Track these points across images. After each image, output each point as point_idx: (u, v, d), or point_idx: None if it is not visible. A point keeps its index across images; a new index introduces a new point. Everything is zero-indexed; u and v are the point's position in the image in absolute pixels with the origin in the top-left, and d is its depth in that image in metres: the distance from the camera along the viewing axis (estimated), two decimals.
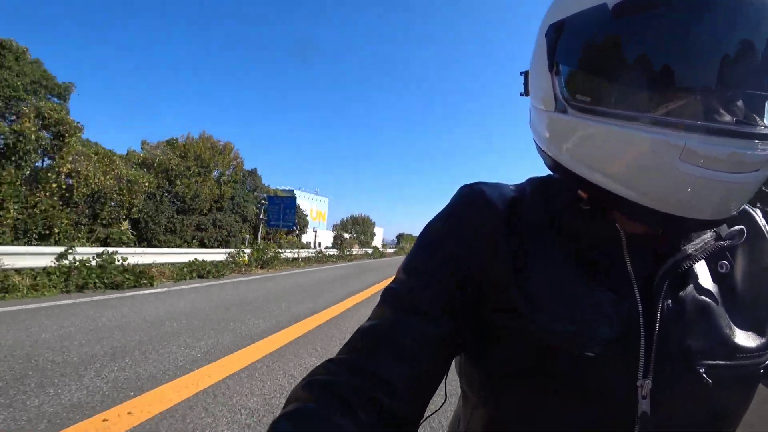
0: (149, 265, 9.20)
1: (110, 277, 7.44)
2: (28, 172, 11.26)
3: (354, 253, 26.62)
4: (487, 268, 0.45)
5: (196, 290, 7.92)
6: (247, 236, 20.44)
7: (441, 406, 0.59)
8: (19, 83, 11.43)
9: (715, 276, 0.45)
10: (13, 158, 10.69)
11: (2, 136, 10.57)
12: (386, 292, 0.48)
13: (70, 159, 12.09)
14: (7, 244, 8.83)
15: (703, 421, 0.42)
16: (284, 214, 20.82)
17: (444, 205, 0.52)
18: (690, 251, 0.43)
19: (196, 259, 10.85)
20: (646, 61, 0.37)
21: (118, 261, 8.19)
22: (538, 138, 0.49)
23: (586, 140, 0.41)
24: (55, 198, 11.51)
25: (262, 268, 13.54)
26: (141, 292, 7.24)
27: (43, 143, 11.47)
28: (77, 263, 7.36)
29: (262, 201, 21.74)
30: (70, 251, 7.56)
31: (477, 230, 0.47)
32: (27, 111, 10.96)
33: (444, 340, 0.43)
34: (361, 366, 0.41)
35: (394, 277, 0.51)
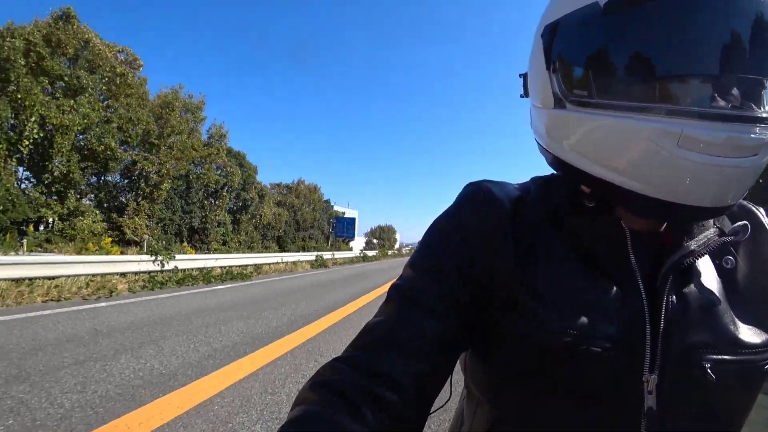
0: (295, 262, 19.05)
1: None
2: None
3: (388, 253, 39.92)
4: (493, 265, 0.46)
5: (302, 276, 13.36)
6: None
7: (446, 403, 0.57)
8: None
9: (720, 271, 0.45)
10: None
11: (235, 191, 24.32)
12: (393, 289, 0.48)
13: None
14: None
15: (709, 417, 0.42)
16: (347, 229, 33.95)
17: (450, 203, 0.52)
18: (693, 247, 0.43)
19: (299, 259, 18.33)
20: (639, 52, 0.38)
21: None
22: (539, 137, 0.51)
23: (585, 134, 0.42)
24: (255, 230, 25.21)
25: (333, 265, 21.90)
26: (283, 277, 12.97)
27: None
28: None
29: (331, 220, 35.19)
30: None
31: (482, 228, 0.47)
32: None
33: (449, 337, 0.43)
34: (367, 364, 0.41)
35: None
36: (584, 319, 0.41)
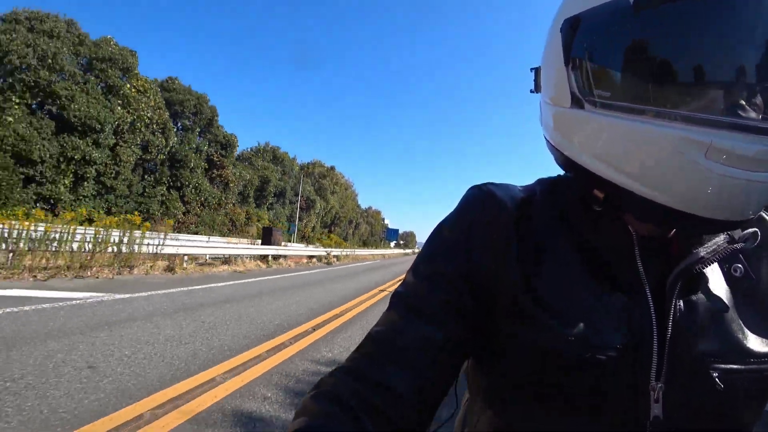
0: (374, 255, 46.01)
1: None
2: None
3: (414, 251, 64.42)
4: (497, 271, 0.45)
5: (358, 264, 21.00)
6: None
7: (452, 416, 0.56)
8: None
9: (729, 279, 0.44)
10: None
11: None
12: (395, 296, 0.47)
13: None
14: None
15: (716, 426, 0.41)
16: (392, 235, 59.06)
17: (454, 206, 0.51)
18: (702, 254, 0.42)
19: (376, 253, 46.80)
20: (669, 55, 0.36)
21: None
22: (550, 135, 0.48)
23: (604, 137, 0.40)
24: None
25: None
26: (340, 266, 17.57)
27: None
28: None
29: (383, 230, 59.81)
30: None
31: (486, 232, 0.46)
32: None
33: (452, 345, 0.43)
34: (368, 375, 0.41)
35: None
36: (590, 327, 0.40)
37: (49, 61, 17.58)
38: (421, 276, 0.47)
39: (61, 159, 17.68)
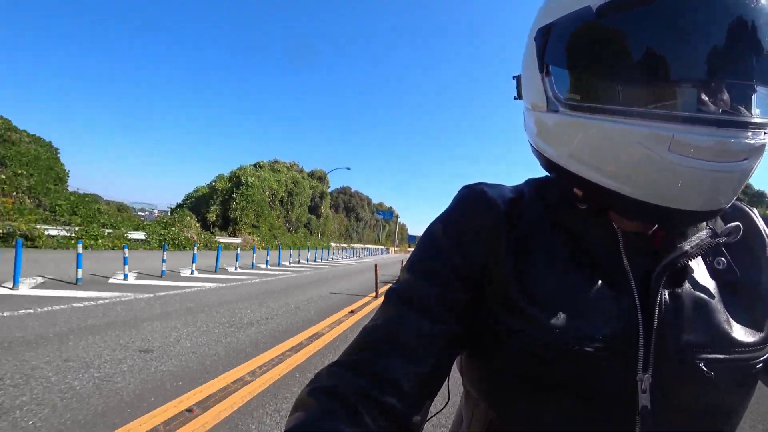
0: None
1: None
2: None
3: None
4: (489, 266, 0.46)
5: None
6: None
7: (444, 406, 0.57)
8: None
9: (713, 272, 0.46)
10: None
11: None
12: (390, 292, 0.48)
13: None
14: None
15: (703, 416, 0.42)
16: (412, 240, 70.57)
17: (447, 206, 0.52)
18: (686, 248, 0.43)
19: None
20: (632, 57, 0.38)
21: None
22: (532, 139, 0.50)
23: (577, 137, 0.42)
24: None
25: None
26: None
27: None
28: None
29: (406, 236, 71.38)
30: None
31: (478, 230, 0.48)
32: None
33: (446, 338, 0.44)
34: (365, 367, 0.41)
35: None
36: (577, 320, 0.42)
37: None
38: (416, 272, 0.48)
39: None
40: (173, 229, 19.47)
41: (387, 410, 0.39)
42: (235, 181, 28.92)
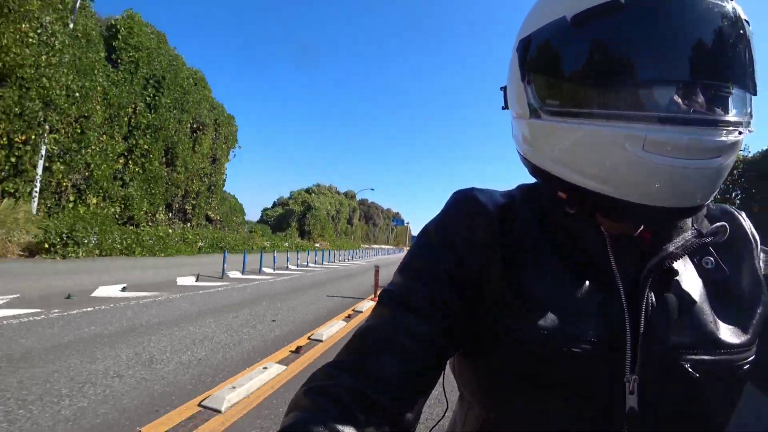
0: None
1: None
2: None
3: None
4: (480, 269, 0.47)
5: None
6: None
7: (444, 415, 0.56)
8: None
9: (700, 272, 0.46)
10: None
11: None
12: (383, 294, 0.49)
13: None
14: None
15: (691, 417, 0.42)
16: (414, 239, 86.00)
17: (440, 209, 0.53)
18: (672, 249, 0.44)
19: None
20: (605, 63, 0.40)
21: None
22: (519, 146, 0.52)
23: (558, 142, 0.44)
24: None
25: None
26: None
27: None
28: None
29: (413, 236, 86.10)
30: None
31: (471, 233, 0.49)
32: None
33: (438, 337, 0.44)
34: (358, 367, 0.42)
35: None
36: (566, 321, 0.42)
37: None
38: (409, 274, 0.49)
39: None
40: (287, 237, 34.09)
41: (380, 408, 0.39)
42: (306, 205, 43.56)
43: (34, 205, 12.13)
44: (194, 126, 20.06)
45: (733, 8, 0.39)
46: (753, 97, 0.41)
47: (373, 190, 54.12)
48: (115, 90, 15.11)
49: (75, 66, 13.16)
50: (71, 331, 4.08)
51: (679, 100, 0.38)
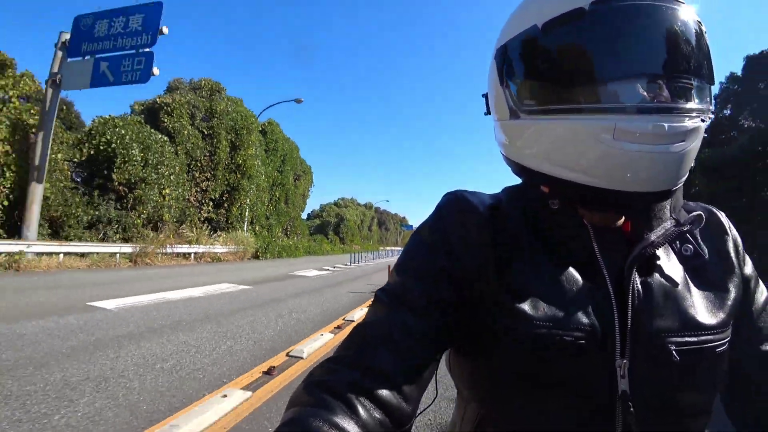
0: None
1: None
2: None
3: None
4: (473, 266, 0.49)
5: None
6: None
7: (432, 402, 0.59)
8: None
9: (682, 259, 0.50)
10: None
11: None
12: (379, 292, 0.51)
13: None
14: None
15: (679, 396, 0.45)
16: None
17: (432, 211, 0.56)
18: (653, 238, 0.47)
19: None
20: (574, 63, 0.44)
21: None
22: (502, 148, 0.55)
23: (537, 138, 0.48)
24: None
25: None
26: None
27: None
28: None
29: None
30: None
31: (465, 232, 0.51)
32: None
33: (433, 333, 0.46)
34: (357, 361, 0.43)
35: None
36: (557, 312, 0.44)
37: None
38: (404, 273, 0.51)
39: None
40: (334, 243, 46.05)
41: (379, 401, 0.40)
42: (339, 216, 55.53)
43: (246, 234, 24.24)
44: (295, 177, 32.28)
45: (686, 10, 0.44)
46: (711, 87, 0.46)
47: (387, 201, 65.73)
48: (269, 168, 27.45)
49: (264, 162, 25.46)
50: (286, 288, 8.81)
51: (645, 93, 0.42)
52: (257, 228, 26.34)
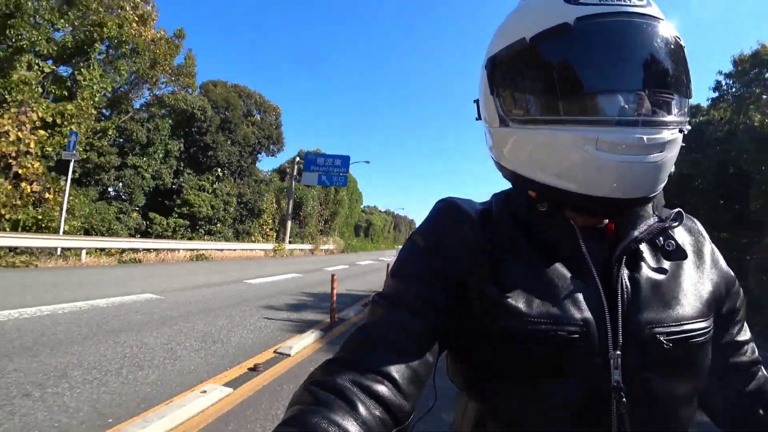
0: None
1: None
2: None
3: None
4: (466, 268, 0.50)
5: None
6: None
7: (432, 407, 0.61)
8: None
9: (665, 253, 0.52)
10: None
11: None
12: (376, 296, 0.53)
13: None
14: None
15: (669, 386, 0.46)
16: None
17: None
18: (637, 234, 0.49)
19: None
20: (561, 76, 0.46)
21: None
22: (492, 153, 0.58)
23: (525, 146, 0.51)
24: None
25: None
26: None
27: None
28: None
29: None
30: None
31: (456, 235, 0.53)
32: None
33: (429, 333, 0.48)
34: (357, 361, 0.44)
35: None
36: (551, 308, 0.46)
37: None
38: (400, 277, 0.53)
39: None
40: (368, 243, 62.90)
41: (380, 398, 0.41)
42: (368, 222, 72.35)
43: (338, 238, 41.30)
44: (350, 201, 49.53)
45: (666, 27, 0.46)
46: (689, 99, 0.48)
47: (403, 209, 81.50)
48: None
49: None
50: (348, 274, 14.24)
51: (626, 106, 0.45)
52: (341, 234, 43.65)
